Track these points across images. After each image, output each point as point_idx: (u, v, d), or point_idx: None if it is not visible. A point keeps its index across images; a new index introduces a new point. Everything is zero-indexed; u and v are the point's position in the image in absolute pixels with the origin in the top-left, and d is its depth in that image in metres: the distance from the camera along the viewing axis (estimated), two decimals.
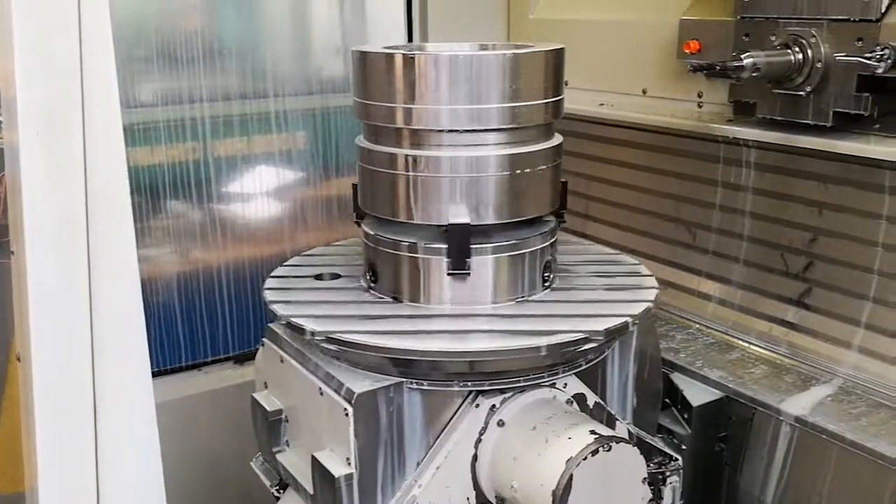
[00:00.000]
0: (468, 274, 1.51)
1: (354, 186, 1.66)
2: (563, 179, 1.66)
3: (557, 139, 1.61)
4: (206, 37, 2.22)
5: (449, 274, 1.51)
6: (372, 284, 1.63)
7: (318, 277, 1.73)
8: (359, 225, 1.66)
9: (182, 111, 2.22)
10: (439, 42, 2.10)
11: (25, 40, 1.33)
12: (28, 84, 1.33)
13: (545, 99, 1.52)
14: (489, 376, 1.48)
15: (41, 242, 1.38)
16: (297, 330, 1.54)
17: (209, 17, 2.25)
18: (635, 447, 1.45)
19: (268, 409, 1.67)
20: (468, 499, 1.51)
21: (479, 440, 1.49)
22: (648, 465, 1.55)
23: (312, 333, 1.50)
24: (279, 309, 1.59)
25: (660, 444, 1.74)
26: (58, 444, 1.44)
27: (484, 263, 1.53)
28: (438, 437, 1.50)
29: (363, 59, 1.52)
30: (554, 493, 1.36)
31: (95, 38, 1.36)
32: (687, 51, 2.04)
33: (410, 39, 2.51)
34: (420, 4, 2.52)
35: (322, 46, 2.47)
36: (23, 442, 1.49)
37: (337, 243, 1.97)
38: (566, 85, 1.60)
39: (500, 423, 1.49)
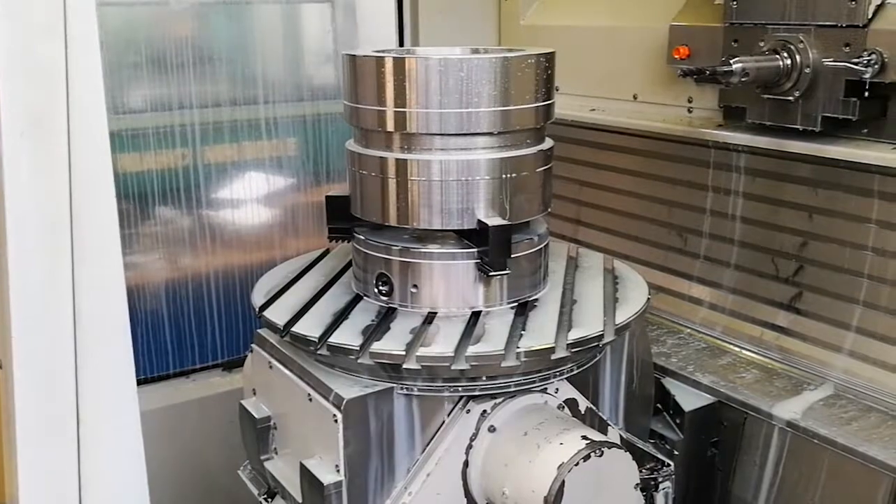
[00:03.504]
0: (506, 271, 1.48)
1: (328, 199, 1.63)
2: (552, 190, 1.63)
3: (548, 143, 1.61)
4: (196, 43, 2.21)
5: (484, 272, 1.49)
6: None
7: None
8: (332, 240, 1.65)
9: (172, 117, 2.22)
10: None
11: (10, 42, 1.31)
12: (12, 85, 1.32)
13: (536, 103, 1.52)
14: (480, 381, 1.47)
15: (24, 246, 1.36)
16: (286, 335, 1.52)
17: (199, 24, 2.24)
18: (627, 452, 1.44)
19: (256, 416, 1.65)
20: None
21: (470, 446, 1.48)
22: (641, 471, 1.54)
23: (302, 339, 1.48)
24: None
25: (652, 450, 1.73)
26: (39, 452, 1.41)
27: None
28: (429, 443, 1.49)
29: (353, 62, 1.51)
30: (546, 499, 1.35)
31: (82, 40, 1.35)
32: (677, 56, 2.06)
33: (402, 46, 2.52)
34: (411, 11, 2.52)
35: (313, 52, 2.46)
36: (3, 451, 1.46)
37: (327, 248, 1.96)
38: (557, 91, 1.60)
39: (492, 429, 1.48)
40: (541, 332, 1.47)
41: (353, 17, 2.47)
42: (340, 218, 1.62)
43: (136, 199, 2.19)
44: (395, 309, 1.54)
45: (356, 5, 2.44)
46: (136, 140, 2.18)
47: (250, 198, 2.37)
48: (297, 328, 1.49)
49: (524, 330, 1.48)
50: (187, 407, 2.23)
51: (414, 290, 1.52)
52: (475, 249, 1.49)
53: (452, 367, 1.39)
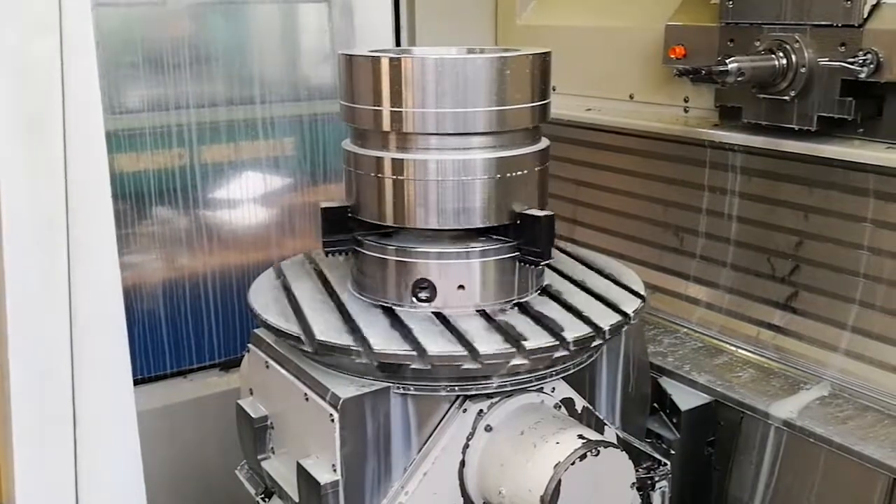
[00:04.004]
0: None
1: (325, 210, 1.55)
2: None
3: (544, 143, 1.61)
4: (192, 43, 2.20)
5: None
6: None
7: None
8: (329, 254, 1.58)
9: (168, 117, 2.21)
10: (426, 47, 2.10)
11: (5, 41, 1.31)
12: (8, 84, 1.31)
13: (532, 102, 1.52)
14: (476, 381, 1.47)
15: (20, 245, 1.36)
16: (282, 335, 1.52)
17: (196, 24, 2.24)
18: (624, 452, 1.44)
19: (253, 415, 1.65)
20: None
21: (466, 446, 1.48)
22: (637, 470, 1.54)
23: (298, 338, 1.48)
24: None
25: (648, 449, 1.73)
26: (36, 452, 1.41)
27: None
28: (426, 442, 1.49)
29: (349, 62, 1.51)
30: (542, 499, 1.35)
31: (77, 39, 1.35)
32: (673, 56, 2.06)
33: (398, 45, 2.51)
34: (408, 11, 2.52)
35: (310, 52, 2.46)
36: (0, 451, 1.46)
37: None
38: (554, 90, 1.61)
39: (488, 429, 1.48)
40: (596, 312, 1.55)
41: (350, 17, 2.47)
42: (339, 230, 1.56)
43: (133, 198, 2.19)
44: (441, 312, 1.52)
45: (353, 5, 2.44)
46: (132, 140, 2.18)
47: (247, 198, 2.37)
48: (380, 348, 1.41)
49: (582, 312, 1.54)
50: (184, 407, 2.22)
51: (460, 290, 1.52)
52: (514, 243, 1.52)
53: (556, 356, 1.43)
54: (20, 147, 1.34)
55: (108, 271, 1.49)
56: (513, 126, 1.51)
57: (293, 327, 1.50)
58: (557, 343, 1.44)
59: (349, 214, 1.57)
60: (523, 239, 1.51)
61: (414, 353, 1.39)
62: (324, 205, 1.57)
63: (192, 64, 2.21)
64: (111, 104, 2.11)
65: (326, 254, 1.59)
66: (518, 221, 1.50)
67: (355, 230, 1.57)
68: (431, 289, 1.51)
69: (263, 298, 1.66)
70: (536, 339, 1.44)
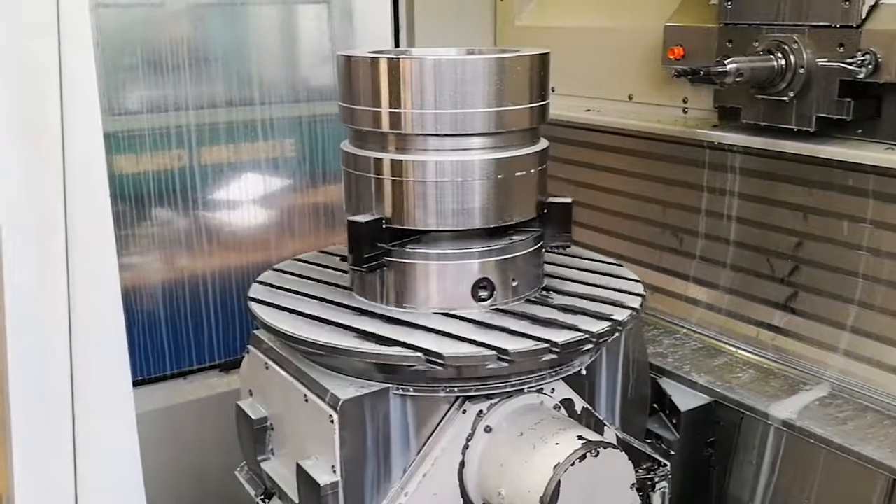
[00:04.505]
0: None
1: (358, 224, 1.46)
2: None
3: (543, 143, 1.62)
4: (192, 44, 2.21)
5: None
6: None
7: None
8: (370, 270, 1.50)
9: (168, 119, 2.21)
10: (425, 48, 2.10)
11: (3, 41, 1.31)
12: (6, 85, 1.31)
13: (531, 103, 1.52)
14: (476, 381, 1.47)
15: (18, 247, 1.36)
16: (282, 336, 1.52)
17: (195, 25, 2.24)
18: (623, 453, 1.44)
19: (252, 417, 1.65)
20: None
21: (466, 447, 1.48)
22: (637, 471, 1.54)
23: (296, 339, 1.48)
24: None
25: (648, 450, 1.73)
26: (35, 454, 1.41)
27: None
28: (425, 443, 1.49)
29: (348, 63, 1.52)
30: (542, 500, 1.35)
31: (74, 40, 1.35)
32: (671, 57, 2.06)
33: (398, 47, 2.52)
34: (407, 12, 2.52)
35: (309, 54, 2.46)
36: None
37: (323, 250, 1.96)
38: (553, 91, 1.61)
39: (488, 430, 1.48)
40: (616, 291, 1.66)
41: (350, 19, 2.47)
42: (373, 244, 1.49)
43: (132, 200, 2.19)
44: (500, 308, 1.55)
45: (352, 7, 2.44)
46: (132, 141, 2.18)
47: (247, 199, 2.37)
48: (517, 348, 1.40)
49: (610, 288, 1.66)
50: (184, 408, 2.22)
51: (514, 284, 1.56)
52: (540, 231, 1.60)
53: (619, 332, 1.54)
54: (19, 148, 1.34)
55: (108, 272, 1.49)
56: (511, 127, 1.51)
57: (406, 351, 1.40)
58: (630, 312, 1.55)
59: (384, 225, 1.50)
60: (551, 226, 1.60)
61: (546, 346, 1.43)
62: (356, 219, 1.48)
63: (191, 65, 2.21)
64: (110, 105, 2.11)
65: (366, 271, 1.51)
66: (545, 210, 1.58)
67: (386, 241, 1.50)
68: (490, 287, 1.54)
69: (265, 284, 1.70)
70: (619, 313, 1.54)
